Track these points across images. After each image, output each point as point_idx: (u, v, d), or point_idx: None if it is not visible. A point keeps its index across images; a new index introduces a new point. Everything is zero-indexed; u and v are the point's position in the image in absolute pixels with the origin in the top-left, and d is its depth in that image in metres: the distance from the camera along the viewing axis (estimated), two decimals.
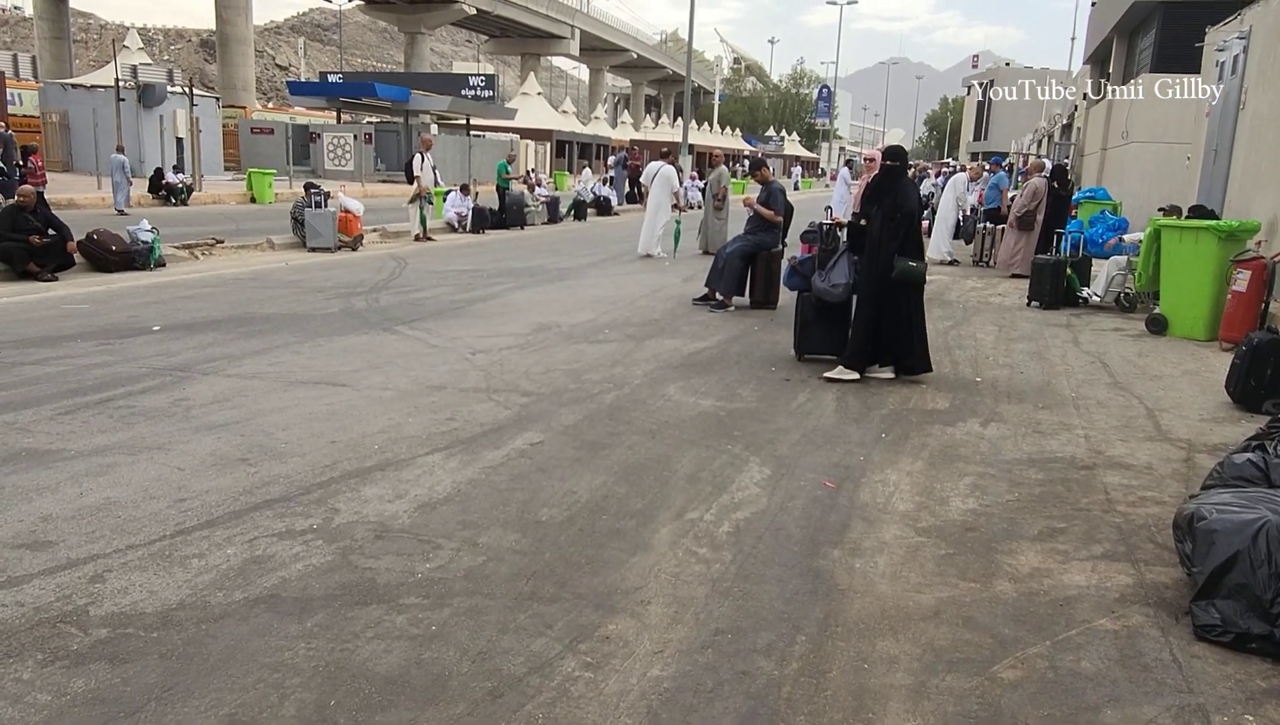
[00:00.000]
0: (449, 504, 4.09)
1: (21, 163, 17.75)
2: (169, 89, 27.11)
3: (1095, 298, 10.70)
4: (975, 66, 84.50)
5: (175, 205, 20.61)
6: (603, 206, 24.71)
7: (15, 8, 79.67)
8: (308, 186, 14.62)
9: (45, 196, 11.72)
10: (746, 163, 45.66)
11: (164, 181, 20.99)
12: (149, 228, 11.56)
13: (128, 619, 3.01)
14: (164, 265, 11.66)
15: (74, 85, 29.54)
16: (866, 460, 4.91)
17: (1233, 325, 8.19)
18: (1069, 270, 10.82)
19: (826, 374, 6.69)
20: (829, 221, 7.47)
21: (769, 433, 5.35)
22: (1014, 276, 13.32)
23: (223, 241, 13.52)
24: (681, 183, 15.75)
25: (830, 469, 4.75)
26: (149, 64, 29.99)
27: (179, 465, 4.45)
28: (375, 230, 16.12)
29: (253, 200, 23.43)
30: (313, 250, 13.91)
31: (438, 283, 11.12)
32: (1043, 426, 5.68)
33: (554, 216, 21.46)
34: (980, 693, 2.75)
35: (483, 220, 18.38)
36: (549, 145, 48.09)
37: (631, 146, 45.83)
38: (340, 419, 5.30)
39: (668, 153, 15.86)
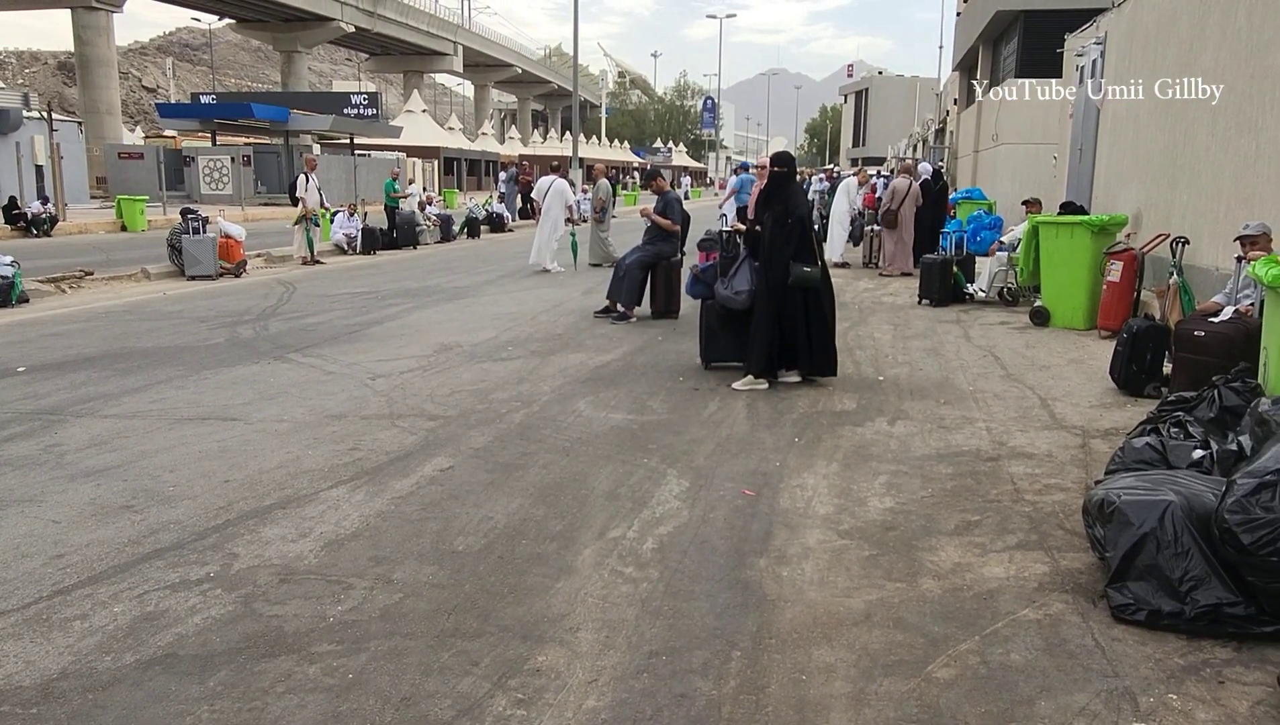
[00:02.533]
0: (358, 539, 3.88)
1: None
2: (25, 113, 25.50)
3: (980, 293, 11.12)
4: (851, 76, 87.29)
5: (37, 236, 19.36)
6: (496, 223, 24.42)
7: None
8: (184, 212, 13.92)
9: None
10: (637, 175, 45.94)
11: (19, 211, 19.67)
12: (9, 261, 10.79)
13: (2, 695, 2.71)
14: (27, 301, 10.89)
15: None
16: (783, 466, 4.91)
17: (1109, 314, 8.61)
18: (955, 268, 11.22)
19: (735, 384, 6.68)
20: (728, 229, 7.51)
21: (683, 444, 5.30)
22: (904, 275, 13.77)
23: (93, 273, 12.73)
24: (575, 195, 15.71)
25: (748, 477, 4.72)
26: (2, 88, 28.17)
27: (54, 517, 4.09)
28: (259, 255, 15.48)
29: (124, 228, 22.23)
30: (192, 278, 13.23)
31: (330, 307, 10.71)
32: (946, 421, 5.82)
33: (447, 235, 21.07)
34: (918, 695, 2.74)
35: (373, 241, 17.90)
36: (436, 162, 47.33)
37: (522, 161, 45.51)
38: (233, 456, 4.99)
39: (558, 166, 15.83)
